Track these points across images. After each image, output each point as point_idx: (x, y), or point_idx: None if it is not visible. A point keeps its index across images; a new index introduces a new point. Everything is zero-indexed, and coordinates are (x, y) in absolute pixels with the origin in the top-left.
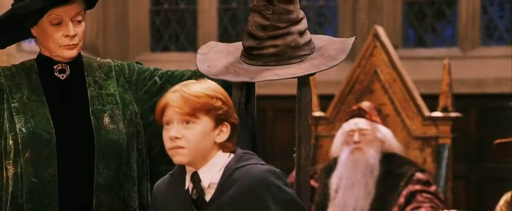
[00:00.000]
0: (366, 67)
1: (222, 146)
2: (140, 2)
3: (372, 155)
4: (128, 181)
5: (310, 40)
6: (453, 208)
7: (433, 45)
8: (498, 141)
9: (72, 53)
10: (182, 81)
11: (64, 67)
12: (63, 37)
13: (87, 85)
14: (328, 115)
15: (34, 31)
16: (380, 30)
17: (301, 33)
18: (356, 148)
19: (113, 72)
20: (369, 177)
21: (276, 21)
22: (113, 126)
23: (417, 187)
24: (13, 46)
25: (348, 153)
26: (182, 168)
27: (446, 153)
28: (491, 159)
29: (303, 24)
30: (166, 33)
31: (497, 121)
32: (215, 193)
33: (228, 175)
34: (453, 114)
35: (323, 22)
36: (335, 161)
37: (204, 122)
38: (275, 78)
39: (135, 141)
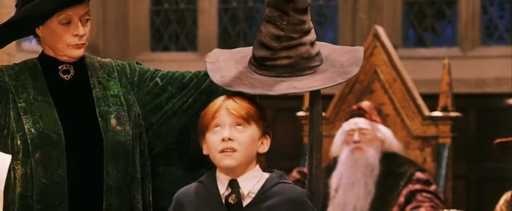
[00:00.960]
0: (366, 67)
1: (259, 160)
2: (140, 2)
3: (372, 155)
4: (134, 183)
5: (319, 50)
6: (453, 208)
7: (433, 45)
8: (498, 140)
9: (80, 52)
10: (183, 82)
11: (68, 68)
12: (72, 37)
13: (92, 86)
14: (328, 115)
15: (39, 31)
16: (380, 30)
17: (312, 44)
18: (356, 147)
19: (115, 72)
20: (369, 176)
21: (291, 32)
22: (120, 128)
23: (417, 186)
24: (14, 45)
25: (348, 153)
26: (211, 176)
27: (446, 153)
28: (491, 159)
29: (313, 34)
30: (166, 33)
31: (497, 121)
32: (253, 200)
33: (270, 186)
34: (453, 114)
35: (323, 22)
36: (335, 160)
37: (253, 129)
38: (294, 91)
39: (138, 142)
